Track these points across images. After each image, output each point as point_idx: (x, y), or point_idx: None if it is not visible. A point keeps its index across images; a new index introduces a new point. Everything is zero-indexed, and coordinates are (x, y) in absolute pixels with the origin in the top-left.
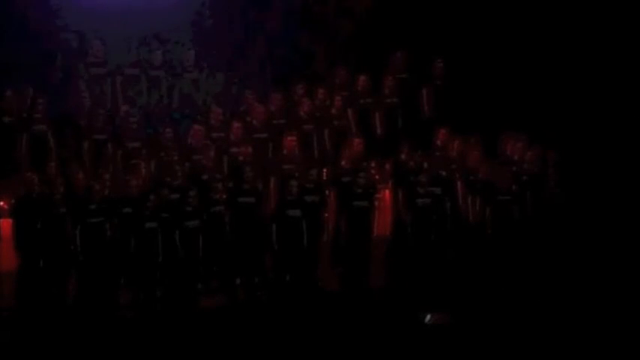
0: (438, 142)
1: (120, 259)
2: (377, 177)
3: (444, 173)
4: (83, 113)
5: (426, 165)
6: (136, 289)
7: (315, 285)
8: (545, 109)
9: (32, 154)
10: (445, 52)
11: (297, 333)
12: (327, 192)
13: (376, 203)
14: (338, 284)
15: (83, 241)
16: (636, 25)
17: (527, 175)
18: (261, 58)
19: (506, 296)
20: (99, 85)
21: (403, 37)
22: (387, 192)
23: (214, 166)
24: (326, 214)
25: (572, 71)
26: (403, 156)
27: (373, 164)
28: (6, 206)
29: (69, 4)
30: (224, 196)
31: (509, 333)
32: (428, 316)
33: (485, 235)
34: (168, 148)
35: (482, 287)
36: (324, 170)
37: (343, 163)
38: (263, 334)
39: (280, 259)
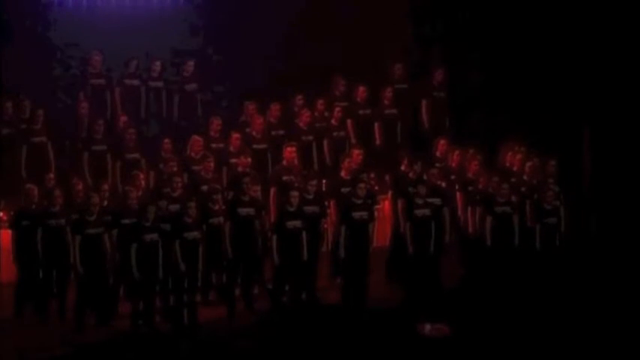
0: (438, 153)
1: (119, 271)
2: (376, 188)
3: (444, 185)
4: (82, 124)
5: (425, 176)
6: (135, 301)
7: (314, 296)
8: (545, 120)
9: (31, 166)
10: (445, 62)
11: (296, 344)
12: (326, 203)
13: (376, 214)
14: (337, 295)
15: (82, 253)
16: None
17: (526, 186)
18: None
19: (507, 307)
20: (98, 96)
21: (402, 47)
22: (387, 203)
23: (214, 177)
24: (325, 225)
25: (570, 80)
26: (403, 167)
27: (373, 175)
28: (5, 217)
29: (68, 16)
30: (223, 207)
31: (510, 345)
32: (427, 327)
33: (485, 246)
34: (167, 159)
35: (482, 299)
36: (324, 181)
37: (343, 173)
38: (262, 345)
39: (280, 270)
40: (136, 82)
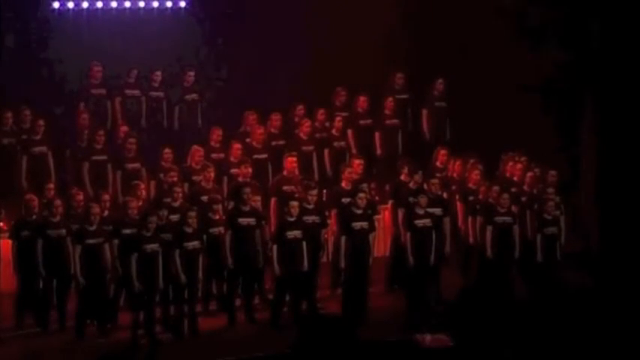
0: (438, 163)
1: (119, 281)
2: (377, 198)
3: (445, 195)
4: (83, 134)
5: (425, 186)
6: (135, 311)
7: (315, 306)
8: (546, 129)
9: (32, 176)
10: (445, 72)
11: (296, 355)
12: (327, 213)
13: (376, 224)
14: (338, 305)
15: (83, 263)
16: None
17: (527, 197)
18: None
19: (508, 318)
20: (99, 106)
21: (401, 57)
22: (387, 213)
23: (214, 187)
24: (326, 235)
25: (570, 90)
26: (403, 177)
27: (373, 185)
28: (5, 227)
29: (68, 26)
30: (224, 217)
31: (511, 355)
32: (428, 337)
33: (485, 257)
34: (167, 169)
35: (483, 309)
36: (324, 191)
37: (343, 184)
38: (262, 355)
39: (280, 280)
40: (136, 92)
